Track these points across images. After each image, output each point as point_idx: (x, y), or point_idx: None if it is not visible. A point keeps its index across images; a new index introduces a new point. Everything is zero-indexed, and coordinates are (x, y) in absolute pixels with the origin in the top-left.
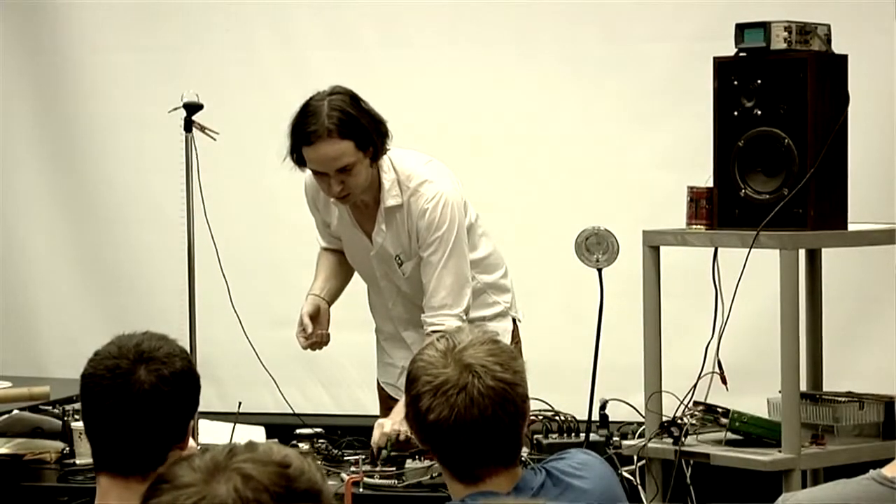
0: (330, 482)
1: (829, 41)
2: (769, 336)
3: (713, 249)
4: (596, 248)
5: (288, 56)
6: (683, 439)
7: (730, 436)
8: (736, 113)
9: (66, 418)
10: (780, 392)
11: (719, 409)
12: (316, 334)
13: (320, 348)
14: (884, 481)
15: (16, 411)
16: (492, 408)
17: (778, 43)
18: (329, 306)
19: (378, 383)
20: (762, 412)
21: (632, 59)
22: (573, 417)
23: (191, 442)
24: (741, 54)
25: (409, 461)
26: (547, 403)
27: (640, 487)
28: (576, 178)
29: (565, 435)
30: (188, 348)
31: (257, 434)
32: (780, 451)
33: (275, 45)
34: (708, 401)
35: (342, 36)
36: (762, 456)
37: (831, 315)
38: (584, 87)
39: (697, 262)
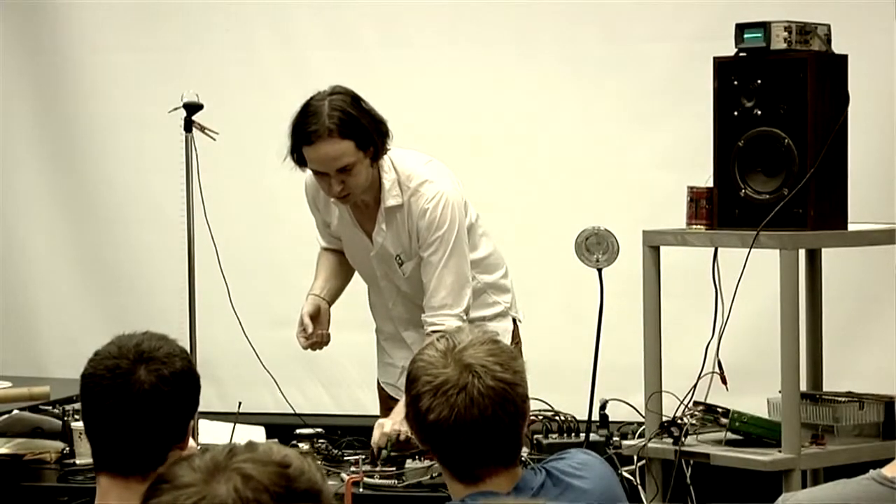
0: (330, 482)
1: (829, 41)
2: (769, 336)
3: (713, 249)
4: (596, 248)
5: (288, 56)
6: (683, 439)
7: (730, 436)
8: (736, 113)
9: (66, 418)
10: (780, 392)
11: (719, 409)
12: (316, 334)
13: (320, 348)
14: (884, 481)
15: (16, 411)
16: (492, 408)
17: (778, 43)
18: (329, 306)
19: (378, 383)
20: (762, 412)
21: (632, 59)
22: (573, 417)
23: (191, 442)
24: (741, 54)
25: (409, 461)
26: (547, 403)
27: (640, 487)
28: (576, 178)
29: (565, 435)
30: (188, 348)
31: (257, 434)
32: (780, 451)
33: (275, 45)
34: (708, 401)
35: (342, 36)
36: (762, 456)
37: (831, 315)
38: (584, 87)
39: (697, 262)
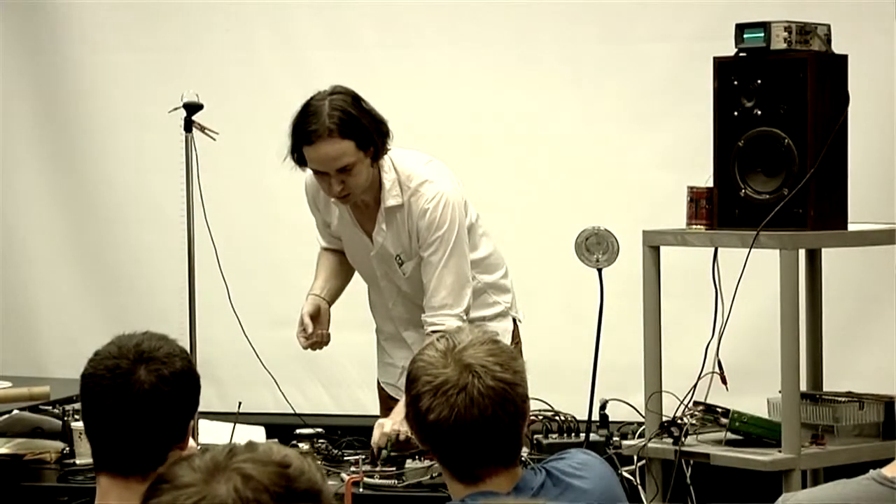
0: (330, 482)
1: (829, 41)
2: (769, 336)
3: (713, 249)
4: (596, 248)
5: (288, 56)
6: (683, 439)
7: (730, 436)
8: (736, 113)
9: (66, 418)
10: (780, 392)
11: (719, 409)
12: (316, 334)
13: (321, 348)
14: (884, 481)
15: (16, 411)
16: (492, 408)
17: (778, 43)
18: (329, 306)
19: (378, 383)
20: (762, 412)
21: (632, 59)
22: (573, 417)
23: (191, 442)
24: (741, 54)
25: (409, 461)
26: (547, 403)
27: (640, 487)
28: (576, 178)
29: (565, 435)
30: (188, 348)
31: (257, 434)
32: (780, 451)
33: (275, 45)
34: (708, 401)
35: (342, 36)
36: (762, 456)
37: (831, 315)
38: (584, 87)
39: (697, 262)
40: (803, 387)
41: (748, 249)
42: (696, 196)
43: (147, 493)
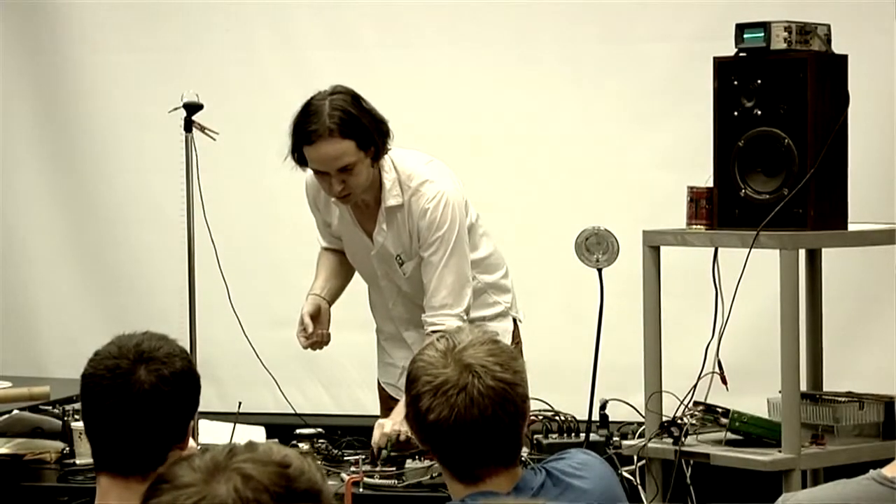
0: (330, 482)
1: (829, 41)
2: (769, 336)
3: (713, 249)
4: (596, 248)
5: (288, 56)
6: (683, 439)
7: (730, 436)
8: (736, 113)
9: (66, 418)
10: (780, 392)
11: (719, 409)
12: (316, 334)
13: (321, 348)
14: (884, 481)
15: (16, 411)
16: (492, 408)
17: (778, 43)
18: (330, 306)
19: (378, 383)
20: (762, 412)
21: (632, 59)
22: (573, 417)
23: (191, 442)
24: (741, 54)
25: (409, 461)
26: (547, 403)
27: (640, 487)
28: (576, 178)
29: (565, 435)
30: (188, 348)
31: (257, 434)
32: (780, 451)
33: (275, 45)
34: (708, 401)
35: (342, 36)
36: (762, 456)
37: (831, 315)
38: (584, 87)
39: (697, 262)
40: (803, 387)
41: (748, 249)
42: (696, 196)
43: (147, 493)
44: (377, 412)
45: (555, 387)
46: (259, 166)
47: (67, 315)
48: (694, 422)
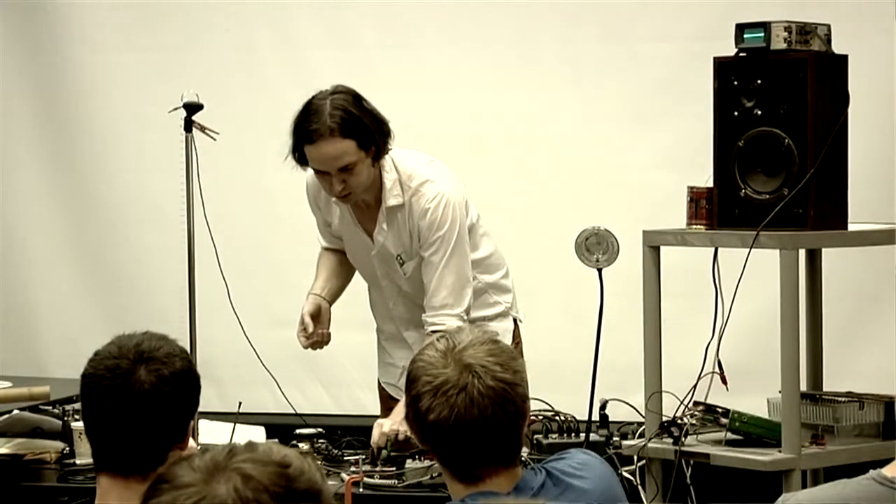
0: (330, 482)
1: (829, 41)
2: (769, 336)
3: (713, 249)
4: (596, 248)
5: (288, 56)
6: (683, 439)
7: (730, 436)
8: (736, 113)
9: (66, 418)
10: (780, 392)
11: (719, 409)
12: (317, 334)
13: (321, 347)
14: (884, 481)
15: (16, 411)
16: (492, 408)
17: (778, 43)
18: (330, 306)
19: (379, 383)
20: (762, 412)
21: (632, 59)
22: (573, 417)
23: (191, 442)
24: (741, 54)
25: (409, 461)
26: (547, 403)
27: (640, 487)
28: (576, 178)
29: (565, 435)
30: (188, 348)
31: (257, 434)
32: (780, 451)
33: (275, 45)
34: (708, 401)
35: (342, 36)
36: (762, 456)
37: (831, 315)
38: (584, 87)
39: (697, 262)
40: (803, 387)
41: (748, 249)
42: (696, 196)
43: (147, 493)
44: (377, 412)
45: (555, 387)
46: (259, 166)
47: (67, 315)
48: (694, 422)
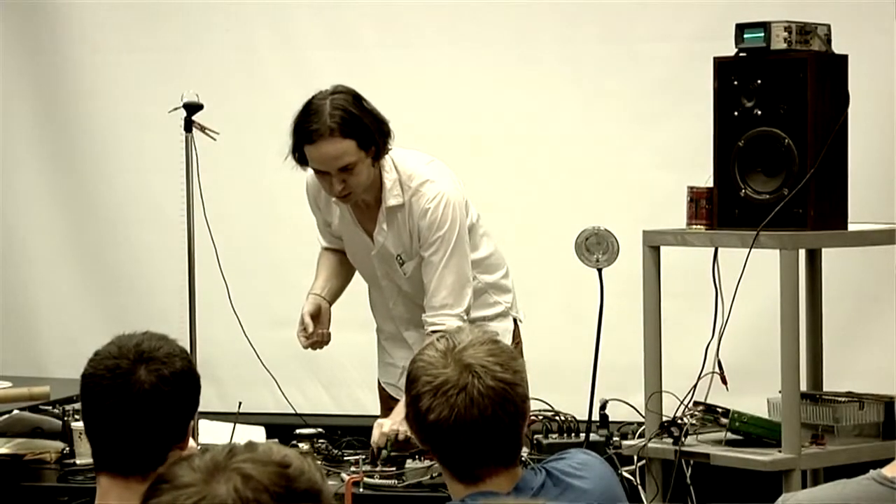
0: (330, 482)
1: (829, 41)
2: (769, 336)
3: (713, 249)
4: (596, 248)
5: (288, 56)
6: (683, 439)
7: (730, 436)
8: (736, 113)
9: (66, 418)
10: (780, 392)
11: (719, 409)
12: (317, 334)
13: (321, 347)
14: (884, 481)
15: (16, 411)
16: (492, 408)
17: (778, 43)
18: (330, 306)
19: (379, 383)
20: (762, 412)
21: (632, 59)
22: (573, 417)
23: (191, 442)
24: (741, 54)
25: (409, 461)
26: (547, 403)
27: (640, 487)
28: (576, 178)
29: (565, 435)
30: (188, 348)
31: (257, 434)
32: (780, 451)
33: (275, 45)
34: (708, 401)
35: (342, 36)
36: (762, 456)
37: (831, 315)
38: (584, 87)
39: (697, 262)
40: (803, 387)
41: (748, 249)
42: (696, 196)
43: (147, 493)
44: (377, 412)
45: (555, 387)
46: (259, 166)
47: (67, 315)
48: (694, 422)
